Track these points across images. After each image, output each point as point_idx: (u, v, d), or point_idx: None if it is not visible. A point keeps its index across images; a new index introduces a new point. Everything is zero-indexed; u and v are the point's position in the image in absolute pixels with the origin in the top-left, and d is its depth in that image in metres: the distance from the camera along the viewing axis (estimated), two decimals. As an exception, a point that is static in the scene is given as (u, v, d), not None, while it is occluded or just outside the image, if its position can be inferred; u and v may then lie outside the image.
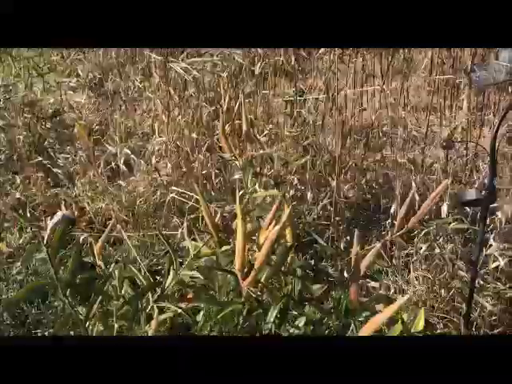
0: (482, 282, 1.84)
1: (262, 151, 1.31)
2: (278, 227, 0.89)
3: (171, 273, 1.00)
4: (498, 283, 1.86)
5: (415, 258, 1.96)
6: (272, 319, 1.19)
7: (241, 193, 1.26)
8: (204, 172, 2.46)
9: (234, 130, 1.28)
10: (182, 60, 2.33)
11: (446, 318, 1.93)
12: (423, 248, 1.91)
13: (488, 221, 1.70)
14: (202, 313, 1.02)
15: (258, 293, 0.99)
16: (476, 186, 1.76)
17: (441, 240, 1.93)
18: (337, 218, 2.22)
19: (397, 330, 0.92)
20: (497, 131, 1.30)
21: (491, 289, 1.83)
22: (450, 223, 1.84)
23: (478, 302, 1.83)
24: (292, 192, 2.19)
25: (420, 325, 0.91)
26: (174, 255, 1.01)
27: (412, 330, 0.91)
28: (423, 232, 1.93)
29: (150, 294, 0.98)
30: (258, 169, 1.47)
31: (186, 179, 2.46)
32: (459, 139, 2.70)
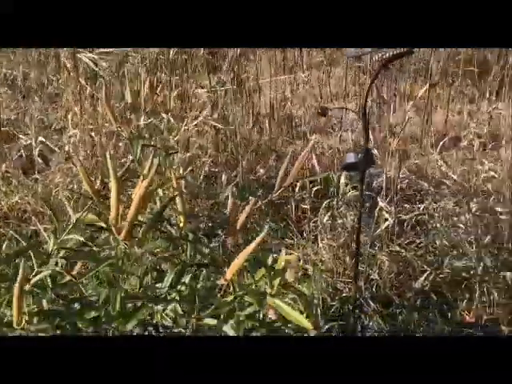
0: (379, 244, 1.98)
1: (148, 120, 1.37)
2: (145, 181, 0.95)
3: (52, 237, 1.04)
4: (395, 245, 2.01)
5: (320, 227, 2.07)
6: (168, 284, 1.25)
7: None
8: (123, 160, 2.49)
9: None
10: (91, 51, 2.35)
11: (350, 282, 2.07)
12: (325, 218, 2.03)
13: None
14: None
15: (135, 247, 1.04)
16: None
17: (342, 209, 2.06)
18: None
19: (261, 272, 1.01)
20: (366, 96, 1.42)
21: (386, 249, 1.97)
22: (346, 193, 1.96)
23: (378, 261, 1.97)
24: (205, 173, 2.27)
25: (281, 264, 1.00)
26: (56, 220, 1.06)
27: (276, 268, 0.99)
28: (324, 203, 2.05)
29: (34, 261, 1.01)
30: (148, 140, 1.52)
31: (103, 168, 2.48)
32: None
